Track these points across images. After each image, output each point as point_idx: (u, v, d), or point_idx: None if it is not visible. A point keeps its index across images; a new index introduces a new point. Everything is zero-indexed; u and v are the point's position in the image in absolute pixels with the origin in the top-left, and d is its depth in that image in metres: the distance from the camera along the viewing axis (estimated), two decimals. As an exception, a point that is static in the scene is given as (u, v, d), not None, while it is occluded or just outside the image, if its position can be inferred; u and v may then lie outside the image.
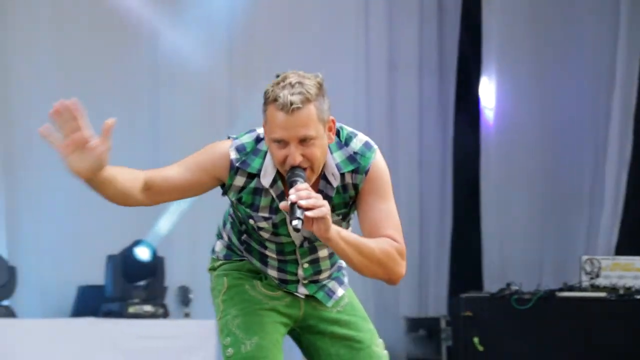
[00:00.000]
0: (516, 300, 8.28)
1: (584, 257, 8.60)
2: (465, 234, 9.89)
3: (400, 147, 9.95)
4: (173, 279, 8.53)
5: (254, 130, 3.56)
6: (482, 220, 9.85)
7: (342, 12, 9.85)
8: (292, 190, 3.24)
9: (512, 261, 9.66)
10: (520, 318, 8.26)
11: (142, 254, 8.27)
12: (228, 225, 3.79)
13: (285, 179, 3.40)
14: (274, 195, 3.48)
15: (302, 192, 3.21)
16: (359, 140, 3.54)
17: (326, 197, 3.41)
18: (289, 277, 3.65)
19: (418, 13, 10.07)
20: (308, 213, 3.17)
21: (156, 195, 3.45)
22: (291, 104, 3.28)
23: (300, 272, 3.64)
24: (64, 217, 8.42)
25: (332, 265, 3.75)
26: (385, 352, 3.79)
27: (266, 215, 3.52)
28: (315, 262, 3.67)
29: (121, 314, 7.97)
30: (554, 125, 9.85)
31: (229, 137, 3.59)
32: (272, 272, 3.66)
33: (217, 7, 9.32)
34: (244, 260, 3.75)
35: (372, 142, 3.56)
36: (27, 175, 8.52)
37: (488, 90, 9.96)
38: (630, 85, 9.40)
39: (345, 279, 3.86)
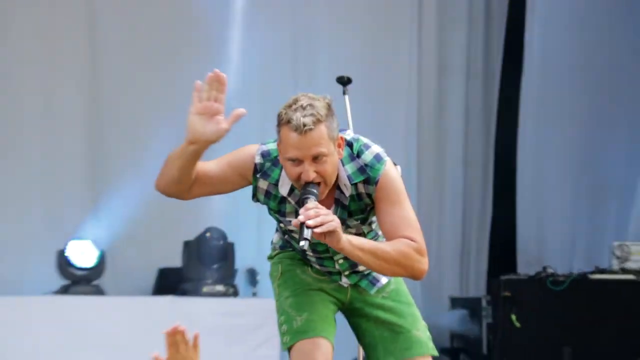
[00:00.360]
0: (551, 281, 8.29)
1: (615, 243, 8.60)
2: (503, 222, 9.79)
3: (448, 146, 9.93)
4: (242, 262, 8.58)
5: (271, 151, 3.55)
6: (518, 209, 9.74)
7: (396, 20, 9.81)
8: (301, 211, 3.24)
9: (546, 246, 9.58)
10: (555, 298, 8.25)
11: (215, 241, 8.32)
12: (283, 233, 3.79)
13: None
14: (293, 203, 3.50)
15: (310, 212, 3.20)
16: (371, 152, 3.51)
17: (342, 205, 3.46)
18: (330, 269, 3.66)
19: (466, 20, 10.02)
20: (317, 230, 3.17)
21: (199, 187, 3.51)
22: (304, 125, 3.28)
23: (336, 266, 3.65)
24: (146, 206, 8.37)
25: None
26: (428, 334, 3.75)
27: (290, 220, 3.52)
28: (355, 267, 3.66)
29: (196, 293, 8.08)
30: (590, 119, 9.70)
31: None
32: (315, 265, 3.69)
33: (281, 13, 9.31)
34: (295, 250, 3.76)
35: (383, 154, 3.53)
36: (111, 171, 8.66)
37: (528, 92, 9.83)
38: None
39: None
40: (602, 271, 8.49)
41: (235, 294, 8.27)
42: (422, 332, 3.72)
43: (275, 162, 3.49)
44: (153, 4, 8.99)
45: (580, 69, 9.71)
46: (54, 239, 8.12)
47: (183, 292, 8.17)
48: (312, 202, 3.28)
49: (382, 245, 3.39)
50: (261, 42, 9.12)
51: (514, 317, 8.25)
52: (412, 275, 3.44)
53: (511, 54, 10.03)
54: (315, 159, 3.32)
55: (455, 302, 9.44)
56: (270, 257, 3.88)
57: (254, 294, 8.65)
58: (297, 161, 3.33)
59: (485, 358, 8.82)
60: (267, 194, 3.54)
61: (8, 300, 7.61)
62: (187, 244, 8.34)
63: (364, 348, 3.79)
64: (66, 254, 7.96)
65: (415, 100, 9.84)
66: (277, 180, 3.50)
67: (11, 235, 8.30)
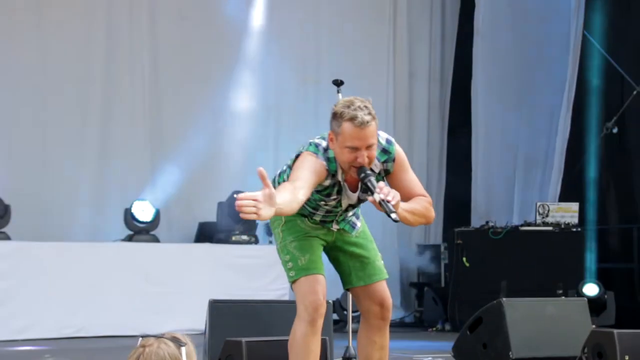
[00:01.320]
0: (492, 232, 8.45)
1: (538, 203, 8.75)
2: (462, 188, 9.87)
3: (416, 133, 10.16)
4: None
5: (319, 144, 3.44)
6: (472, 177, 9.92)
7: (376, 37, 10.00)
8: (377, 190, 3.20)
9: (491, 205, 9.70)
10: (495, 244, 8.41)
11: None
12: None
13: (343, 170, 3.40)
14: (342, 182, 3.45)
15: (384, 190, 3.20)
16: (382, 137, 3.51)
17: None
18: (327, 220, 3.66)
19: (428, 38, 10.25)
20: (392, 203, 3.17)
21: (305, 197, 3.33)
22: (366, 122, 3.29)
23: (334, 223, 3.66)
24: (190, 175, 8.58)
25: (354, 214, 3.73)
26: (383, 263, 3.73)
27: (335, 197, 3.49)
28: (345, 217, 3.68)
29: (227, 241, 8.26)
30: (522, 107, 9.75)
31: (300, 153, 3.43)
32: (317, 218, 3.64)
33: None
34: None
35: (390, 137, 3.54)
36: (165, 150, 8.76)
37: (476, 92, 9.93)
38: (571, 87, 9.25)
39: (361, 215, 3.79)
40: (529, 224, 8.59)
41: (256, 241, 8.44)
42: (381, 263, 3.71)
43: (329, 159, 3.41)
44: (197, 21, 9.03)
45: (513, 72, 9.79)
46: (122, 200, 8.24)
47: (217, 240, 8.29)
48: (380, 182, 3.28)
49: (415, 205, 3.38)
50: (277, 53, 9.30)
51: (464, 259, 8.43)
52: (428, 222, 3.48)
53: (461, 63, 10.20)
54: (368, 147, 3.33)
55: (421, 248, 9.62)
56: None
57: (270, 242, 8.61)
58: (355, 149, 3.30)
59: (443, 290, 8.97)
60: (326, 187, 3.46)
61: (88, 245, 7.79)
62: (220, 204, 8.46)
63: (340, 275, 3.72)
64: (131, 211, 8.07)
65: (392, 99, 10.05)
66: (335, 171, 3.44)
67: (90, 197, 8.40)
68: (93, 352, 6.28)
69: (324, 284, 3.55)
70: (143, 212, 8.14)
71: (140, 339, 2.24)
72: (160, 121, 8.86)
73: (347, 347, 5.05)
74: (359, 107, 3.32)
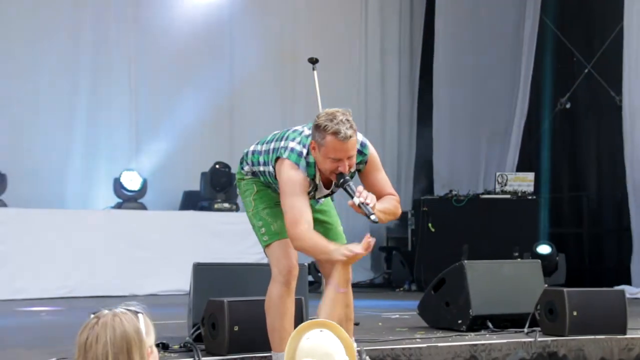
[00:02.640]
0: (455, 200, 8.50)
1: (497, 173, 8.81)
2: (428, 160, 9.96)
3: (388, 105, 10.11)
4: None
5: (300, 153, 3.38)
6: (434, 150, 9.96)
7: (350, 18, 9.96)
8: (357, 194, 3.20)
9: (455, 175, 9.74)
10: (457, 211, 8.45)
11: (223, 173, 8.37)
12: (260, 175, 3.60)
13: (320, 173, 3.38)
14: (318, 184, 3.44)
15: (363, 194, 3.20)
16: (358, 140, 3.42)
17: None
18: None
19: (398, 17, 10.22)
20: (370, 205, 3.17)
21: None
22: (349, 136, 3.24)
23: None
24: (175, 148, 8.59)
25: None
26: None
27: (310, 194, 3.45)
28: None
29: (209, 208, 8.26)
30: (485, 85, 9.77)
31: (281, 157, 3.38)
32: None
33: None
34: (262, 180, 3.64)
35: (365, 140, 3.48)
36: (151, 125, 8.66)
37: (439, 68, 9.95)
38: (528, 66, 9.28)
39: None
40: (489, 192, 8.67)
41: (237, 209, 8.39)
42: (340, 228, 3.71)
43: (309, 165, 3.38)
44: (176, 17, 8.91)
45: (471, 50, 9.77)
46: (111, 170, 8.19)
47: (201, 208, 8.29)
48: (359, 187, 3.27)
49: (386, 204, 3.36)
50: (256, 32, 9.23)
51: (430, 224, 8.47)
52: (397, 217, 3.50)
53: (427, 38, 10.18)
54: (349, 157, 3.31)
55: (390, 215, 9.78)
56: (241, 179, 3.69)
57: None
58: (337, 160, 3.29)
59: (410, 253, 9.02)
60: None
61: (79, 212, 7.78)
62: (203, 174, 8.46)
63: None
64: (120, 180, 8.05)
65: (364, 73, 10.03)
66: (314, 176, 3.41)
67: (81, 167, 8.36)
68: (85, 311, 6.27)
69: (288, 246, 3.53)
70: (131, 181, 8.10)
71: (92, 314, 1.97)
72: (146, 95, 8.77)
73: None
74: (341, 121, 3.28)
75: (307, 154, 3.38)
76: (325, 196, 3.61)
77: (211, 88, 8.92)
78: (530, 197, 8.55)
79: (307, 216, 3.29)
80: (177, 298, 6.90)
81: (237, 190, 3.80)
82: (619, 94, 8.55)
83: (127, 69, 8.70)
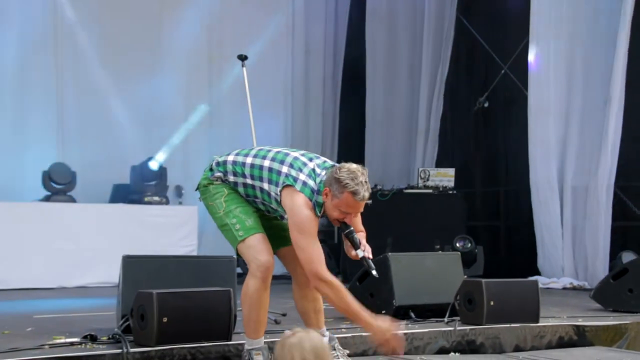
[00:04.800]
0: (380, 194, 8.56)
1: (420, 168, 8.91)
2: (357, 157, 9.74)
3: (312, 102, 10.15)
4: (172, 180, 8.65)
5: (312, 190, 3.41)
6: (367, 147, 10.04)
7: (276, 17, 9.91)
8: (361, 247, 3.38)
9: (382, 172, 9.75)
10: (382, 205, 8.47)
11: (153, 165, 8.41)
12: (240, 185, 3.61)
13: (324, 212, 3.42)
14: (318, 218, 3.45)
15: (367, 248, 3.39)
16: None
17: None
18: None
19: (324, 17, 10.28)
20: (371, 258, 3.38)
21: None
22: (365, 198, 3.36)
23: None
24: (105, 141, 8.44)
25: None
26: None
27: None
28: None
29: (140, 201, 8.17)
30: (411, 90, 9.85)
31: (292, 186, 3.40)
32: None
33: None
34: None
35: None
36: (80, 119, 8.45)
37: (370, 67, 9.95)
38: (444, 66, 9.40)
39: None
40: (412, 187, 8.74)
41: (167, 202, 8.37)
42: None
43: (316, 205, 3.41)
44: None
45: (401, 55, 9.89)
46: (40, 162, 7.99)
47: (130, 201, 8.20)
48: (362, 240, 3.42)
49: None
50: (184, 33, 9.12)
51: None
52: None
53: (353, 40, 10.27)
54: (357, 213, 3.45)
55: (317, 208, 9.71)
56: (210, 183, 3.69)
57: (180, 203, 8.71)
58: (347, 213, 3.38)
59: (336, 245, 9.02)
60: None
61: (7, 204, 7.50)
62: (133, 167, 8.39)
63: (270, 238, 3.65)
64: (49, 173, 7.89)
65: (290, 73, 10.03)
66: (319, 213, 3.45)
67: (11, 160, 8.16)
68: (13, 303, 6.14)
69: (269, 242, 3.56)
70: (60, 174, 7.95)
71: (288, 331, 2.49)
72: (78, 87, 8.60)
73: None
74: (361, 182, 3.35)
75: (317, 193, 3.42)
76: None
77: (141, 82, 8.76)
78: (451, 192, 8.66)
79: (324, 260, 3.36)
80: (106, 290, 6.80)
81: (200, 195, 3.75)
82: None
83: (55, 61, 8.52)
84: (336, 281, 3.36)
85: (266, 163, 3.58)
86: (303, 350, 2.46)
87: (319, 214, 3.44)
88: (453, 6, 9.46)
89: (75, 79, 8.55)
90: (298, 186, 3.43)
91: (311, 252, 3.36)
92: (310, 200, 3.41)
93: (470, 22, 9.59)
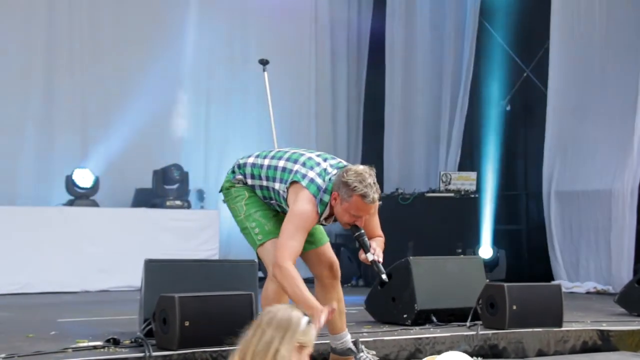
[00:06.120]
0: (401, 198, 8.52)
1: (442, 172, 8.84)
2: (376, 158, 9.72)
3: (339, 105, 10.13)
4: (193, 184, 8.67)
5: (320, 187, 3.40)
6: (385, 148, 9.90)
7: (300, 22, 9.94)
8: (371, 251, 3.37)
9: (403, 175, 9.69)
10: (403, 208, 8.43)
11: (175, 171, 8.39)
12: (257, 187, 3.61)
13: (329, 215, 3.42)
14: (321, 220, 3.48)
15: (377, 251, 3.38)
16: None
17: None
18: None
19: (346, 21, 10.26)
20: (381, 262, 3.38)
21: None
22: (375, 199, 3.34)
23: None
24: (127, 146, 8.42)
25: None
26: None
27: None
28: None
29: (161, 206, 8.21)
30: (432, 93, 9.75)
31: (298, 182, 3.40)
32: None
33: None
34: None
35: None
36: (103, 123, 8.48)
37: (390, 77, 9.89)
38: (469, 71, 9.33)
39: None
40: (434, 191, 8.66)
41: (188, 206, 8.40)
42: (321, 226, 3.71)
43: (321, 203, 3.40)
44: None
45: (423, 56, 9.81)
46: (64, 167, 8.06)
47: (152, 205, 8.22)
48: (373, 243, 3.41)
49: (380, 249, 3.47)
50: (207, 34, 9.15)
51: None
52: None
53: (375, 44, 10.17)
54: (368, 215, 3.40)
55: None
56: (231, 186, 3.69)
57: (202, 207, 8.72)
58: (357, 216, 3.36)
59: (357, 250, 8.96)
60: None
61: (31, 209, 7.61)
62: (155, 172, 8.43)
63: None
64: (72, 178, 7.96)
65: (314, 76, 10.02)
66: (322, 212, 3.44)
67: (36, 165, 8.22)
68: (37, 307, 6.19)
69: None
70: (83, 178, 8.01)
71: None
72: (98, 92, 8.64)
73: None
74: (369, 184, 3.32)
75: (324, 191, 3.40)
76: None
77: (163, 86, 8.80)
78: (472, 196, 8.61)
79: (297, 254, 3.34)
80: (128, 294, 6.83)
81: (223, 197, 3.75)
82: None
83: (79, 67, 8.57)
84: (290, 270, 3.27)
85: (281, 163, 3.59)
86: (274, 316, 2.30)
87: (321, 214, 3.41)
88: (476, 10, 9.39)
89: (99, 85, 8.62)
90: (304, 182, 3.42)
91: (287, 242, 3.32)
92: (315, 197, 3.39)
93: (492, 24, 9.51)
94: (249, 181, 3.67)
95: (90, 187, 8.01)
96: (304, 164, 3.52)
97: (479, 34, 9.47)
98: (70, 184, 7.95)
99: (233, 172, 3.73)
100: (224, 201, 3.77)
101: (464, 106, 9.42)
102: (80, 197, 7.96)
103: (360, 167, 3.37)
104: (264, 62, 6.14)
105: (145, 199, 8.38)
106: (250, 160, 3.70)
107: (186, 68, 9.13)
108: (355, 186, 3.30)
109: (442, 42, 9.72)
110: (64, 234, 7.44)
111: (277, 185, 3.55)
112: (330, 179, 3.43)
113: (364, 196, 3.30)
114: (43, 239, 7.32)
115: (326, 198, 3.40)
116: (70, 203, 7.94)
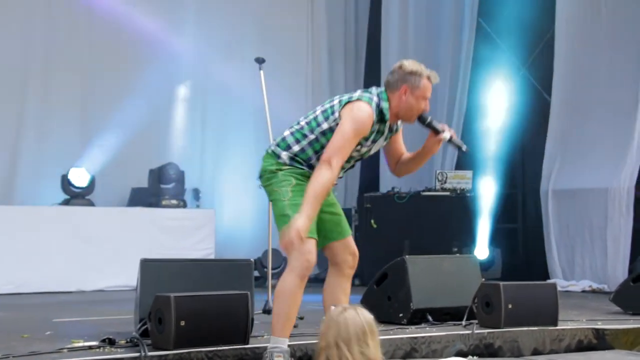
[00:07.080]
0: (397, 197, 8.53)
1: (437, 170, 8.83)
2: (370, 159, 9.90)
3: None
4: (189, 184, 8.67)
5: (372, 98, 3.54)
6: (381, 149, 9.90)
7: (296, 20, 9.95)
8: (444, 129, 3.62)
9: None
10: (399, 207, 8.45)
11: (171, 170, 8.39)
12: (307, 147, 3.62)
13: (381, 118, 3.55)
14: (386, 128, 3.62)
15: (447, 127, 3.65)
16: None
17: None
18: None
19: (343, 19, 10.27)
20: (455, 137, 3.66)
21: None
22: (437, 78, 3.65)
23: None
24: (123, 145, 8.45)
25: None
26: None
27: (369, 145, 3.62)
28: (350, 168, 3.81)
29: (157, 205, 8.21)
30: None
31: (351, 101, 3.51)
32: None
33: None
34: (304, 169, 3.64)
35: None
36: (99, 123, 8.48)
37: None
38: (466, 67, 9.30)
39: None
40: (430, 189, 8.68)
41: (184, 205, 8.39)
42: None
43: (383, 110, 3.56)
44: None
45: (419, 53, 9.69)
46: (59, 167, 8.07)
47: (148, 204, 8.23)
48: (442, 123, 3.68)
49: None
50: (204, 33, 9.21)
51: (372, 221, 8.51)
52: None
53: (372, 42, 10.19)
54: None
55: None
56: (279, 169, 3.66)
57: (198, 206, 8.69)
58: (426, 99, 3.62)
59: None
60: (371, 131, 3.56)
61: (27, 208, 7.63)
62: (151, 171, 8.44)
63: (321, 233, 3.63)
64: (68, 177, 7.97)
65: (311, 74, 10.02)
66: (386, 119, 3.60)
67: (30, 165, 8.23)
68: (32, 306, 6.19)
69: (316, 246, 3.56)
70: (79, 178, 8.01)
71: (332, 307, 2.53)
72: (96, 94, 8.65)
73: (267, 301, 5.06)
74: (425, 68, 3.63)
75: (378, 103, 3.55)
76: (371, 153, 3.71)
77: (158, 85, 8.80)
78: (468, 194, 8.61)
79: (344, 161, 3.47)
80: (124, 294, 6.83)
81: (265, 180, 3.68)
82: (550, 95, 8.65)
83: (76, 67, 8.57)
84: (335, 173, 3.43)
85: (318, 110, 3.70)
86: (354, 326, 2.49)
87: (387, 118, 3.56)
88: (473, 8, 9.39)
89: (95, 85, 8.62)
90: (354, 97, 3.56)
91: (344, 144, 3.45)
92: (370, 103, 3.53)
93: (490, 23, 9.51)
94: (295, 147, 3.63)
95: (86, 187, 8.01)
96: (342, 95, 3.67)
97: (476, 32, 9.47)
98: (66, 183, 7.96)
99: (274, 154, 3.67)
100: (263, 185, 3.72)
101: (462, 104, 9.41)
102: (76, 196, 7.96)
103: (409, 60, 3.65)
104: (260, 61, 6.07)
105: (141, 198, 8.38)
106: (286, 132, 3.71)
107: (182, 67, 9.15)
108: (420, 71, 3.58)
109: (439, 39, 9.70)
110: (60, 234, 7.44)
111: (325, 125, 3.60)
112: (378, 93, 3.59)
113: (430, 77, 3.58)
114: (38, 238, 7.32)
115: (385, 105, 3.56)
116: (66, 202, 7.94)
